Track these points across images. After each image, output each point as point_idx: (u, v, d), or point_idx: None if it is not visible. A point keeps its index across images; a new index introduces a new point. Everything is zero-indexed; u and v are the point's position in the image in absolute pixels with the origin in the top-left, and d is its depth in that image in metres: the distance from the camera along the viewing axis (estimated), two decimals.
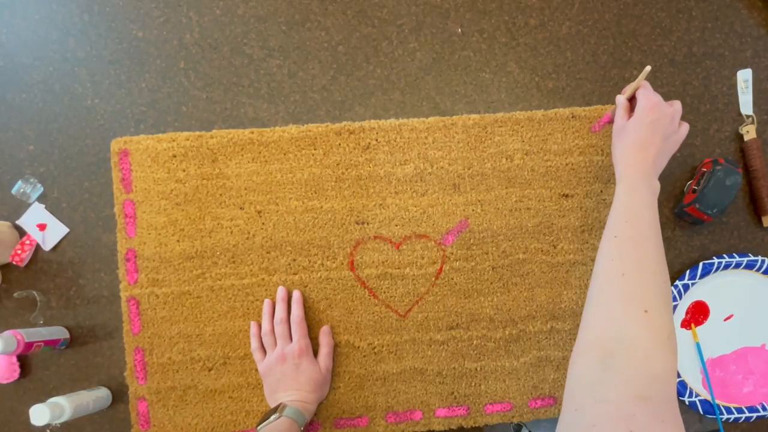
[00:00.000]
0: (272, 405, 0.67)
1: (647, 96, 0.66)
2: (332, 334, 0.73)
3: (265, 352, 0.70)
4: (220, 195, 0.74)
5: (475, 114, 0.76)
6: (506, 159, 0.75)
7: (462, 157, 0.75)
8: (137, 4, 0.76)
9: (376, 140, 0.75)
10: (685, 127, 0.67)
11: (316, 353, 0.72)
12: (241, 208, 0.74)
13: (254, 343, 0.71)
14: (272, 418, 0.62)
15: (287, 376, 0.68)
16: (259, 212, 0.74)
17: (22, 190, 0.74)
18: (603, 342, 0.47)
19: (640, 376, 0.43)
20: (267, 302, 0.71)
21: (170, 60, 0.76)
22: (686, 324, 0.76)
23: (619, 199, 0.61)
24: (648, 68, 0.65)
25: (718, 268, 0.75)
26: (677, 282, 0.75)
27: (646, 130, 0.64)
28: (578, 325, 0.74)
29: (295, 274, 0.74)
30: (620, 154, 0.65)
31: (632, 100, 0.70)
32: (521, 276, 0.75)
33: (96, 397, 0.70)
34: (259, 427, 0.63)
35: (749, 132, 0.77)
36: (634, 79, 0.78)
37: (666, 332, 0.47)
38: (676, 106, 0.67)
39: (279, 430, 0.60)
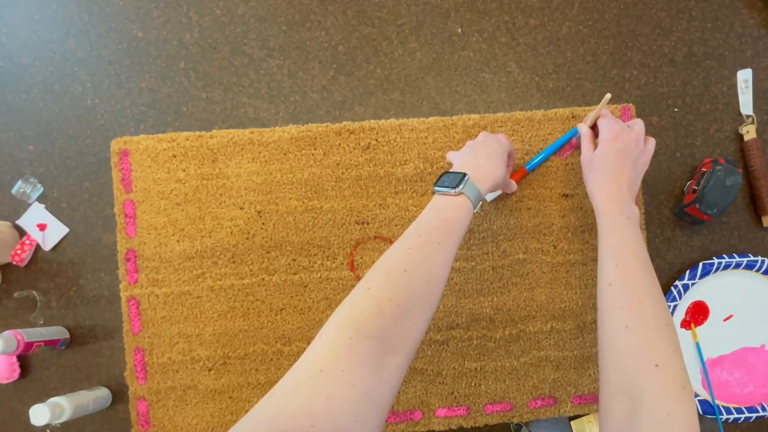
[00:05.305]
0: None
1: (609, 125, 0.66)
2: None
3: None
4: (220, 195, 0.74)
5: (475, 114, 0.76)
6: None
7: None
8: (137, 4, 0.76)
9: (376, 140, 0.75)
10: (652, 143, 0.67)
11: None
12: (241, 208, 0.74)
13: None
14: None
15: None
16: (259, 212, 0.74)
17: (22, 190, 0.74)
18: (624, 399, 0.48)
19: None
20: None
21: (170, 60, 0.76)
22: (686, 324, 0.76)
23: (604, 240, 0.60)
24: (608, 96, 0.65)
25: (718, 268, 0.75)
26: (677, 282, 0.75)
27: (614, 161, 0.64)
28: (578, 326, 0.75)
29: (295, 274, 0.74)
30: (594, 187, 0.65)
31: (594, 127, 0.70)
32: (521, 276, 0.75)
33: (96, 397, 0.70)
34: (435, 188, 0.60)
35: (749, 132, 0.77)
36: (634, 79, 0.78)
37: (680, 382, 0.47)
38: (637, 126, 0.66)
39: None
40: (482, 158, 0.63)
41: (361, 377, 0.42)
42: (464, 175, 0.59)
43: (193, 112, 0.76)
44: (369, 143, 0.75)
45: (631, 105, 0.77)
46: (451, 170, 0.63)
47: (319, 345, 0.45)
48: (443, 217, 0.57)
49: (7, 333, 0.66)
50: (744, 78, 0.78)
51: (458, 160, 0.65)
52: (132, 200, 0.73)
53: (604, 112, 0.68)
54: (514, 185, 0.72)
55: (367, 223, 0.74)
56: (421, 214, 0.58)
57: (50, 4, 0.76)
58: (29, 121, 0.75)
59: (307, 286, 0.74)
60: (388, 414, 0.46)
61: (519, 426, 0.75)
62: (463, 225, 0.57)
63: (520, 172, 0.74)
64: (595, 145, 0.67)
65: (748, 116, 0.78)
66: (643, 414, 0.46)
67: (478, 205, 0.60)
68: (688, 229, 0.77)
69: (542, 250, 0.75)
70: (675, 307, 0.75)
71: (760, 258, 0.75)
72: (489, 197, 0.74)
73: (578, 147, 0.73)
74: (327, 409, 0.39)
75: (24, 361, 0.73)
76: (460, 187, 0.58)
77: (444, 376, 0.74)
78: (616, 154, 0.64)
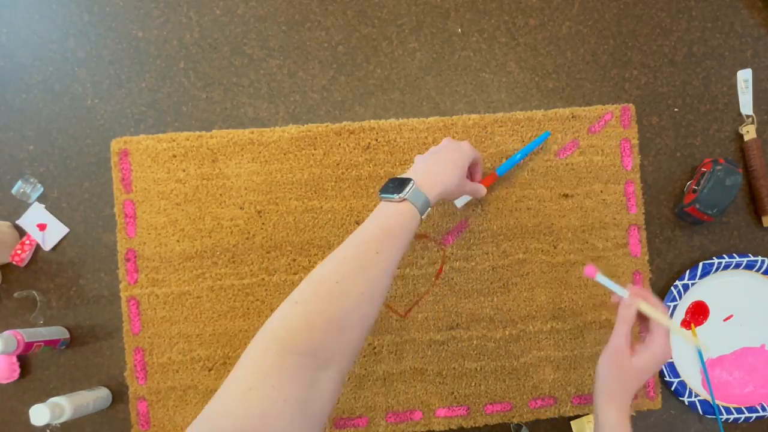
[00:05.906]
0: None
1: (666, 345, 0.57)
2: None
3: None
4: (220, 195, 0.74)
5: (475, 114, 0.76)
6: (506, 159, 0.75)
7: None
8: (137, 4, 0.76)
9: (376, 140, 0.75)
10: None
11: None
12: (241, 208, 0.74)
13: None
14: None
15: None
16: (259, 212, 0.74)
17: (22, 190, 0.74)
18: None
19: None
20: None
21: (170, 60, 0.76)
22: (686, 324, 0.76)
23: None
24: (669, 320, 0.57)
25: (718, 268, 0.75)
26: (677, 282, 0.75)
27: (646, 378, 0.58)
28: (578, 326, 0.75)
29: (295, 274, 0.74)
30: (611, 389, 0.57)
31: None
32: (521, 276, 0.75)
33: (96, 397, 0.70)
34: (381, 195, 0.58)
35: (749, 132, 0.77)
36: (634, 79, 0.78)
37: None
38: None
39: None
40: (436, 164, 0.62)
41: (292, 391, 0.41)
42: (409, 180, 0.57)
43: (193, 112, 0.76)
44: (369, 143, 0.75)
45: (631, 105, 0.77)
46: (398, 176, 0.61)
47: (246, 363, 0.43)
48: (384, 224, 0.55)
49: (7, 333, 0.66)
50: (744, 78, 0.78)
51: (416, 164, 0.64)
52: (132, 200, 0.73)
53: (666, 323, 0.57)
54: (482, 190, 0.69)
55: None
56: (363, 223, 0.56)
57: (50, 4, 0.76)
58: (29, 121, 0.75)
59: None
60: (325, 424, 0.44)
61: (519, 426, 0.75)
62: (405, 232, 0.55)
63: (491, 177, 0.73)
64: (632, 338, 0.58)
65: (748, 116, 0.78)
66: None
67: (426, 212, 0.58)
68: (688, 229, 0.77)
69: (542, 250, 0.75)
70: (675, 307, 0.75)
71: (760, 258, 0.75)
72: (458, 203, 0.74)
73: (540, 149, 0.71)
74: (261, 427, 0.39)
75: (24, 361, 0.73)
76: (404, 192, 0.56)
77: (444, 376, 0.74)
78: (652, 371, 0.57)
